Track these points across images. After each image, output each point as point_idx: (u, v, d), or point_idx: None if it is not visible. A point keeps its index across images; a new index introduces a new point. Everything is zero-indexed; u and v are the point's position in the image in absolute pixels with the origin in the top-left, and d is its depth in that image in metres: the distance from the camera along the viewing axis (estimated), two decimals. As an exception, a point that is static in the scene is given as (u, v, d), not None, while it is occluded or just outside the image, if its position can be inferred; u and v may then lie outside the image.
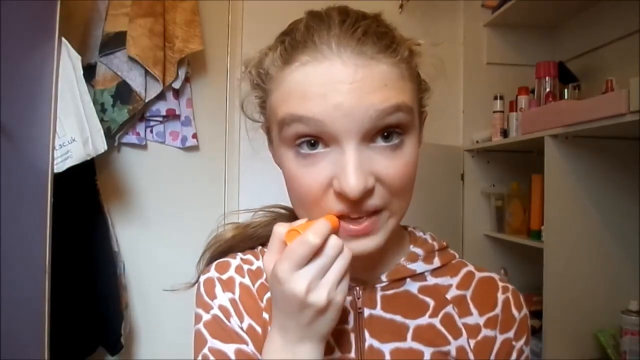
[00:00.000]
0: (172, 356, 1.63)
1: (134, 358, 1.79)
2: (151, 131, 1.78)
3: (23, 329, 1.20)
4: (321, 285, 0.44)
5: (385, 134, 0.48)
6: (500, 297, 0.58)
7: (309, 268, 0.44)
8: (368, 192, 0.47)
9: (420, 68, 0.53)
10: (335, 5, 0.52)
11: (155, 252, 1.80)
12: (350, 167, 0.46)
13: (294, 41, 0.48)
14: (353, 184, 0.45)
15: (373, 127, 0.46)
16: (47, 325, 1.24)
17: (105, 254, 1.64)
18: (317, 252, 0.44)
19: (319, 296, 0.44)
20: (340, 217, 0.48)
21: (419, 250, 0.59)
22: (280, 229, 0.47)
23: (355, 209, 0.48)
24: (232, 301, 0.57)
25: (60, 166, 1.31)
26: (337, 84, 0.45)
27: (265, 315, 0.56)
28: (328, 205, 0.48)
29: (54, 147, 1.31)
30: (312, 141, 0.48)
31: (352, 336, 0.54)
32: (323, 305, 0.44)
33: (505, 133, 1.79)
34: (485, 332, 0.56)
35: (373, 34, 0.47)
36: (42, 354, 1.23)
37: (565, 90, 1.61)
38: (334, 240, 0.45)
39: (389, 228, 0.50)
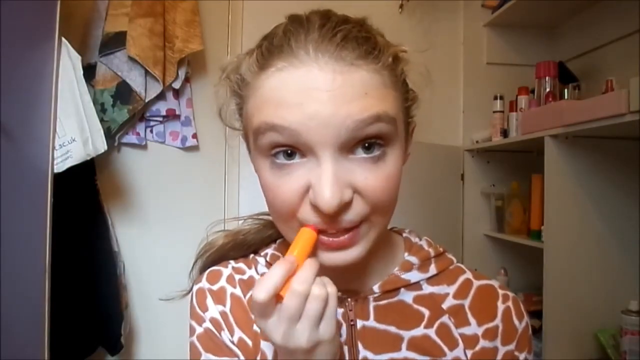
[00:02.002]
0: (172, 356, 1.63)
1: (134, 358, 1.79)
2: (151, 131, 1.78)
3: (23, 329, 1.20)
4: (297, 331, 0.44)
5: (366, 144, 0.45)
6: (501, 306, 0.56)
7: (275, 319, 0.44)
8: (344, 206, 0.44)
9: (408, 76, 0.51)
10: (319, 9, 0.49)
11: (155, 252, 1.79)
12: (326, 179, 0.43)
13: (271, 46, 0.46)
14: (328, 197, 0.43)
15: (351, 137, 0.44)
16: (47, 325, 1.24)
17: (105, 254, 1.64)
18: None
19: (299, 342, 0.43)
20: (318, 231, 0.46)
21: (413, 259, 0.57)
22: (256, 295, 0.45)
23: (331, 223, 0.45)
24: (223, 314, 0.56)
25: (60, 166, 1.31)
26: (313, 91, 0.43)
27: (256, 328, 0.55)
28: (304, 217, 0.46)
29: (54, 147, 1.31)
30: (289, 151, 0.45)
31: (346, 348, 0.54)
32: (306, 348, 0.44)
33: (505, 133, 1.79)
34: (484, 343, 0.54)
35: (354, 39, 0.45)
36: (42, 354, 1.23)
37: (565, 90, 1.61)
38: (295, 286, 0.43)
39: (370, 239, 0.48)
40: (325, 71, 0.43)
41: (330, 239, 0.46)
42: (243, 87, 0.49)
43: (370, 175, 0.45)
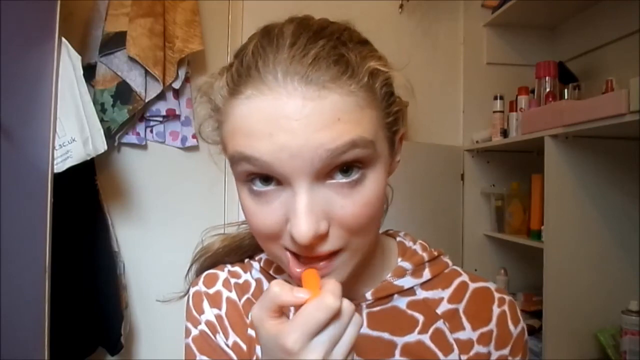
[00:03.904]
0: (172, 356, 1.63)
1: (134, 358, 1.79)
2: (151, 131, 1.78)
3: (23, 329, 1.20)
4: (334, 355, 0.39)
5: (344, 168, 0.43)
6: (496, 310, 0.55)
7: (323, 337, 0.39)
8: (320, 237, 0.43)
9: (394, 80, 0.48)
10: (296, 16, 0.48)
11: (155, 252, 1.79)
12: (300, 212, 0.42)
13: (240, 68, 0.44)
14: (303, 230, 0.41)
15: (326, 165, 0.42)
16: (47, 325, 1.24)
17: (105, 254, 1.64)
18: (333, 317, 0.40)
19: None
20: (297, 255, 0.45)
21: (406, 265, 0.56)
22: (277, 290, 0.41)
23: (308, 252, 0.44)
24: (218, 317, 0.57)
25: (60, 166, 1.31)
26: (282, 120, 0.41)
27: (251, 332, 0.55)
28: (284, 243, 0.45)
29: (54, 147, 1.31)
30: (265, 177, 0.44)
31: None
32: None
33: (505, 133, 1.79)
34: (478, 348, 0.54)
35: (325, 59, 0.42)
36: (42, 354, 1.23)
37: (565, 90, 1.61)
38: (347, 304, 0.40)
39: (349, 265, 0.47)
40: (294, 97, 0.41)
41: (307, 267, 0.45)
42: (216, 112, 0.48)
43: (347, 203, 0.44)
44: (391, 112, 0.48)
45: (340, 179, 0.43)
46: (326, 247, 0.44)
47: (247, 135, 0.43)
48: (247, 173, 0.45)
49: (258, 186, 0.45)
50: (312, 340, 0.39)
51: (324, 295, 0.39)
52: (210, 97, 0.48)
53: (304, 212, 0.42)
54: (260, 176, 0.44)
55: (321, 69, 0.42)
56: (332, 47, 0.43)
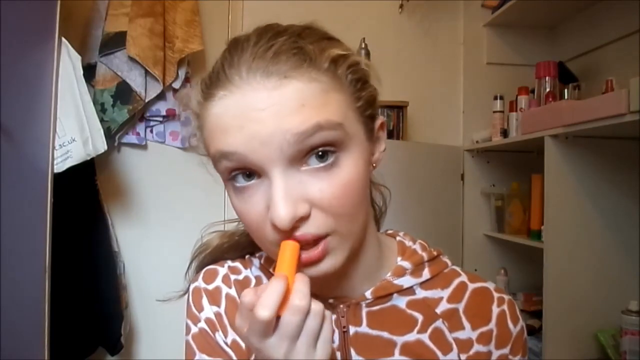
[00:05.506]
0: (172, 356, 1.63)
1: (134, 358, 1.79)
2: (151, 131, 1.78)
3: (23, 329, 1.20)
4: (296, 349, 0.42)
5: (320, 153, 0.45)
6: (495, 310, 0.56)
7: (276, 338, 0.42)
8: (300, 220, 0.45)
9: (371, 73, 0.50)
10: (261, 25, 0.50)
11: (155, 252, 1.80)
12: (277, 196, 0.44)
13: (212, 74, 0.48)
14: (281, 213, 0.43)
15: (296, 151, 0.44)
16: (47, 325, 1.24)
17: (105, 254, 1.64)
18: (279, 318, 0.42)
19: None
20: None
21: (406, 264, 0.56)
22: (244, 298, 0.44)
23: (292, 237, 0.45)
24: (218, 315, 0.57)
25: (60, 166, 1.31)
26: (250, 112, 0.44)
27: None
28: (267, 237, 0.47)
29: (54, 147, 1.31)
30: (248, 172, 0.46)
31: (339, 355, 0.53)
32: None
33: (505, 133, 1.79)
34: (478, 347, 0.54)
35: (286, 51, 0.45)
36: (42, 354, 1.23)
37: (565, 90, 1.61)
38: (296, 302, 0.42)
39: (344, 249, 0.48)
40: (258, 90, 0.44)
41: (304, 255, 0.46)
42: (196, 118, 0.51)
43: (324, 186, 0.45)
44: (361, 96, 0.49)
45: (315, 165, 0.45)
46: (310, 230, 0.45)
47: (222, 133, 0.46)
48: (228, 170, 0.47)
49: (240, 182, 0.47)
50: (268, 340, 0.42)
51: (256, 307, 0.42)
52: (189, 107, 0.51)
53: (280, 196, 0.44)
54: (241, 172, 0.46)
55: (281, 62, 0.45)
56: (292, 42, 0.46)
